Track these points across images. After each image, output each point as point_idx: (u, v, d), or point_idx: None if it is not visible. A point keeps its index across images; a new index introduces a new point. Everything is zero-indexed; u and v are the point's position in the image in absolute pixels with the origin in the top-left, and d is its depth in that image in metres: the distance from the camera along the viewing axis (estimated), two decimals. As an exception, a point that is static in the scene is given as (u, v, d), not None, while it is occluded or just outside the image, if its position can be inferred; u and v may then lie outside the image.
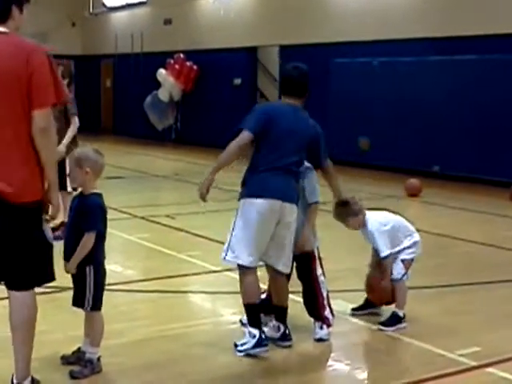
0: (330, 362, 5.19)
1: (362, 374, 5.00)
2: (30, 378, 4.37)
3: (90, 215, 4.65)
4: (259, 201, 5.11)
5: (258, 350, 5.09)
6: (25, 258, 4.26)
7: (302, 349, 5.32)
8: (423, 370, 4.95)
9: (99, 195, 4.76)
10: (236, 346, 5.17)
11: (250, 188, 5.21)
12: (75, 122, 8.70)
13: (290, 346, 5.34)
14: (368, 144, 16.26)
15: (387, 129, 15.87)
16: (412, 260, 5.85)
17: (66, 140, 8.39)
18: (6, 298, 4.37)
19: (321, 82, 17.58)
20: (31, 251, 4.27)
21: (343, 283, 6.77)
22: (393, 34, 16.18)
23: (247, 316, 5.25)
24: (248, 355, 5.09)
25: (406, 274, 5.77)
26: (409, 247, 5.81)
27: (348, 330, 5.76)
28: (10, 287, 4.32)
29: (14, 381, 4.35)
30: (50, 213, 4.34)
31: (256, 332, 5.11)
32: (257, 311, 5.20)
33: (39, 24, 25.81)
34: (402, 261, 5.76)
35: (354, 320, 5.89)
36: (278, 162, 5.17)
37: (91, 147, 4.83)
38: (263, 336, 5.13)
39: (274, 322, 5.41)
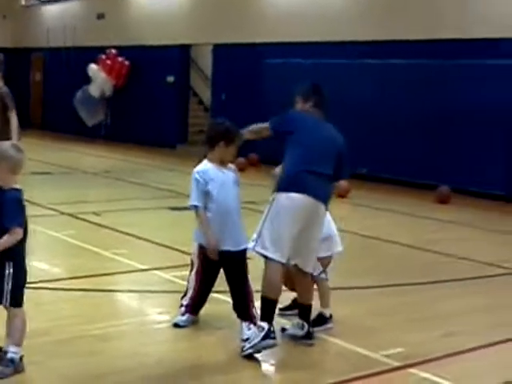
0: (254, 362, 5.20)
1: (286, 375, 5.02)
2: None
3: (10, 210, 4.56)
4: (295, 195, 5.21)
5: (266, 342, 5.08)
6: None
7: (229, 349, 5.32)
8: (347, 370, 4.99)
9: (18, 190, 4.67)
10: (244, 340, 5.18)
11: (287, 183, 5.29)
12: (14, 117, 8.47)
13: (312, 345, 5.39)
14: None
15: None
16: (330, 258, 5.84)
17: (16, 137, 8.10)
18: None
19: (254, 83, 17.65)
20: None
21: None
22: (326, 36, 16.33)
23: (262, 309, 5.22)
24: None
25: (323, 271, 5.77)
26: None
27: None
28: None
29: None
30: None
31: (265, 325, 5.10)
32: (273, 307, 5.21)
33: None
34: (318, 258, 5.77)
35: (281, 321, 5.91)
36: (315, 165, 5.32)
37: (9, 143, 4.75)
38: (272, 329, 5.13)
39: (297, 320, 5.46)
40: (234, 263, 5.49)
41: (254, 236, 5.32)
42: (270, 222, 5.25)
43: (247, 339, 5.16)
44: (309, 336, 5.44)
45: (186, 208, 9.15)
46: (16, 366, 4.64)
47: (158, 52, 20.78)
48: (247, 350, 5.10)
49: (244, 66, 18.26)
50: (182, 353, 5.27)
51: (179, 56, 20.70)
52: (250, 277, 5.53)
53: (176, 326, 5.63)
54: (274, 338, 5.15)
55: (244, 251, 5.52)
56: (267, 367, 5.11)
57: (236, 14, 18.65)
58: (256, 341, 5.09)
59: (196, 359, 5.15)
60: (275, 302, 5.24)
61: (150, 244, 8.52)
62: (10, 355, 4.65)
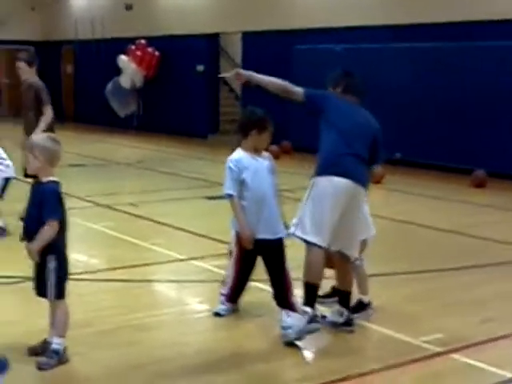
0: (294, 350, 5.21)
1: (328, 362, 5.03)
2: None
3: (48, 203, 4.62)
4: (335, 178, 5.20)
5: (311, 326, 5.11)
6: None
7: (270, 337, 5.34)
8: (389, 356, 5.00)
9: (56, 183, 4.73)
10: (285, 328, 5.16)
11: (326, 167, 5.29)
12: (48, 111, 8.53)
13: (352, 332, 5.42)
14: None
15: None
16: (364, 242, 5.78)
17: (39, 130, 8.14)
18: None
19: (283, 69, 17.59)
20: None
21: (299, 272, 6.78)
22: (355, 20, 16.23)
23: (305, 294, 5.24)
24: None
25: (358, 257, 5.70)
26: None
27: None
28: None
29: None
30: None
31: (308, 309, 5.14)
32: (315, 291, 5.23)
33: (2, 10, 25.50)
34: None
35: (320, 308, 5.92)
36: (352, 149, 5.30)
37: (46, 135, 4.79)
38: (315, 313, 5.16)
39: (337, 307, 5.48)
40: (272, 251, 5.51)
41: (295, 221, 5.32)
42: (310, 206, 5.24)
43: (288, 327, 5.17)
44: (349, 323, 5.45)
45: (220, 197, 9.23)
46: (60, 357, 4.72)
47: (188, 41, 20.80)
48: (291, 335, 5.11)
49: (274, 52, 18.21)
50: (222, 342, 5.32)
51: (208, 45, 20.70)
52: (289, 265, 5.55)
53: (217, 315, 5.67)
54: (318, 321, 5.18)
55: (281, 239, 5.53)
56: (308, 355, 5.13)
57: (264, 0, 18.59)
58: (300, 325, 5.11)
59: (236, 348, 5.19)
60: (317, 286, 5.25)
61: (186, 234, 8.58)
62: (54, 346, 4.73)
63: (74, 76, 26.43)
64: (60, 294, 4.72)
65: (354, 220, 5.38)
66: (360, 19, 16.14)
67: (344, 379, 4.69)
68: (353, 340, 5.40)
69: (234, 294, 5.72)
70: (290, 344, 5.11)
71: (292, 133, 16.48)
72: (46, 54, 27.12)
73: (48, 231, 4.59)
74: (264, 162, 5.56)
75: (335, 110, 5.45)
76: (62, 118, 25.86)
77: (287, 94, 5.63)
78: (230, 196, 5.47)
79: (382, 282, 6.69)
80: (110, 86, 20.60)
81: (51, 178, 4.71)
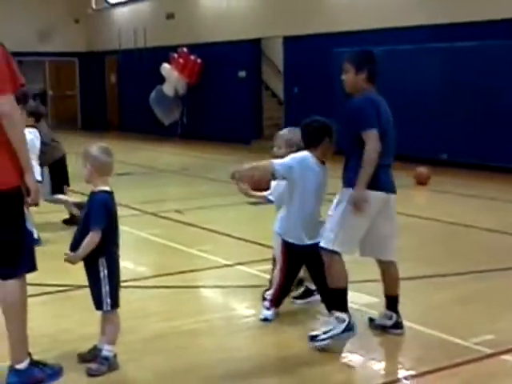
0: (344, 354, 5.19)
1: (377, 365, 5.00)
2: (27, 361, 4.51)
3: (93, 213, 4.68)
4: (371, 192, 5.09)
5: (347, 334, 5.08)
6: (7, 248, 4.41)
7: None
8: (439, 359, 4.95)
9: (107, 192, 4.77)
10: (314, 337, 5.11)
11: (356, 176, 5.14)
12: None
13: (401, 334, 5.39)
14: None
15: (393, 117, 15.80)
16: None
17: None
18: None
19: (324, 72, 17.57)
20: (13, 240, 4.42)
21: (357, 274, 6.74)
22: (393, 22, 16.13)
23: (335, 301, 5.19)
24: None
25: None
26: None
27: (361, 321, 5.75)
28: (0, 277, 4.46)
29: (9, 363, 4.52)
30: (30, 197, 4.47)
31: (345, 316, 5.10)
32: (345, 295, 5.18)
33: (43, 21, 25.89)
34: None
35: (369, 311, 5.88)
36: (386, 158, 5.20)
37: (99, 144, 4.82)
38: (352, 321, 5.13)
39: (386, 311, 5.46)
40: (317, 257, 5.48)
41: (330, 236, 5.16)
42: (346, 218, 5.13)
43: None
44: (398, 326, 5.41)
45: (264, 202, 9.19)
46: (110, 364, 4.76)
47: (229, 48, 20.89)
48: (325, 339, 5.07)
49: (314, 56, 18.19)
50: (270, 346, 5.32)
51: (250, 50, 20.76)
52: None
53: (265, 320, 5.66)
54: (354, 329, 5.12)
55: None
56: (356, 358, 5.09)
57: (304, 4, 18.58)
58: (336, 332, 5.07)
59: (283, 352, 5.19)
60: (346, 290, 5.20)
61: (232, 239, 8.60)
62: (104, 353, 4.77)
63: (118, 85, 26.73)
64: (114, 303, 4.77)
65: (387, 226, 5.32)
66: (398, 20, 16.04)
67: (395, 381, 4.66)
68: (402, 342, 5.36)
69: (279, 298, 5.72)
70: (323, 348, 5.09)
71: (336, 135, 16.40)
72: (91, 64, 27.56)
73: (90, 240, 4.64)
74: (325, 170, 5.54)
75: (379, 118, 5.27)
76: (105, 127, 26.23)
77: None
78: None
79: (432, 284, 6.64)
80: (153, 94, 20.77)
81: (102, 188, 4.76)
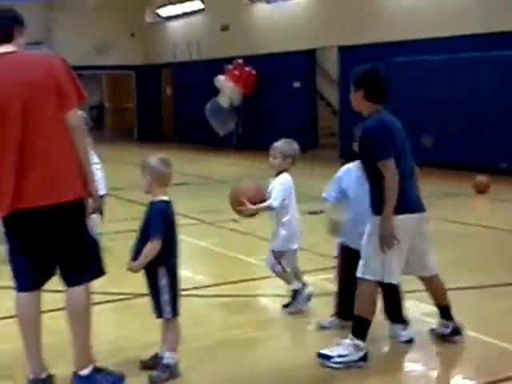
0: (406, 363, 5.15)
1: (439, 374, 4.95)
2: (91, 367, 4.58)
3: (153, 222, 4.73)
4: (401, 217, 4.93)
5: (361, 363, 4.98)
6: (79, 254, 4.54)
7: (378, 351, 5.29)
8: (499, 368, 4.88)
9: (166, 202, 4.82)
10: (327, 357, 5.01)
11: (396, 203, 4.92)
12: None
13: (460, 340, 5.33)
14: (431, 141, 16.08)
15: (451, 126, 15.67)
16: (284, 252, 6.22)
17: None
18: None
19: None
20: (84, 247, 4.57)
21: (416, 283, 6.68)
22: (449, 30, 15.98)
23: (357, 328, 5.05)
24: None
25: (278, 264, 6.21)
26: None
27: (423, 330, 5.70)
28: (66, 284, 4.57)
29: (73, 370, 4.57)
30: (93, 205, 4.62)
31: (364, 345, 5.00)
32: (368, 326, 5.05)
33: (100, 35, 26.32)
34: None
35: (430, 320, 5.82)
36: (408, 172, 5.05)
37: (158, 155, 4.87)
38: (368, 351, 5.03)
39: (442, 320, 5.40)
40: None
41: (378, 268, 4.98)
42: (377, 249, 4.95)
43: (407, 340, 5.09)
44: (456, 332, 5.34)
45: (322, 211, 9.18)
46: (172, 371, 4.79)
47: (284, 59, 20.94)
48: (338, 363, 4.96)
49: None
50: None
51: (305, 61, 20.78)
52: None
53: (323, 328, 5.65)
54: (368, 360, 5.02)
55: None
56: (416, 368, 5.04)
57: (359, 14, 18.54)
58: (352, 359, 4.97)
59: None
60: (370, 322, 5.06)
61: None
62: (166, 361, 4.81)
63: (174, 97, 26.99)
64: (174, 311, 4.81)
65: (424, 246, 5.21)
66: (454, 29, 15.88)
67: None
68: (462, 352, 5.31)
69: (340, 307, 5.69)
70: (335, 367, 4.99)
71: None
72: (147, 77, 27.89)
73: (149, 250, 4.69)
74: None
75: (393, 139, 5.04)
76: (161, 138, 26.49)
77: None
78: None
79: (491, 293, 6.54)
80: (208, 105, 20.93)
81: (161, 198, 4.82)
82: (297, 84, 20.96)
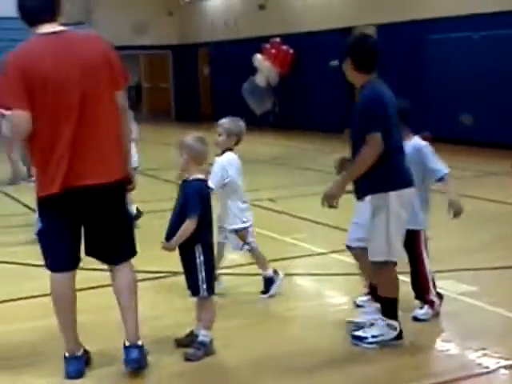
0: (440, 343, 5.12)
1: (474, 355, 4.90)
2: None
3: (188, 200, 4.76)
4: (409, 190, 4.93)
5: (395, 342, 4.99)
6: (125, 232, 4.64)
7: (412, 330, 5.26)
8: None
9: (201, 181, 4.86)
10: (361, 338, 5.00)
11: (390, 178, 4.89)
12: None
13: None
14: (471, 120, 15.89)
15: (491, 104, 15.46)
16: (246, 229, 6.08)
17: None
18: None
19: (418, 59, 17.31)
20: (128, 225, 4.69)
21: (452, 263, 6.65)
22: (490, 6, 15.71)
23: (387, 309, 5.02)
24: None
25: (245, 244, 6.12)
26: None
27: (460, 310, 5.67)
28: (111, 263, 4.64)
29: (126, 343, 4.59)
30: (132, 184, 4.73)
31: (397, 325, 5.00)
32: (396, 304, 5.04)
33: (138, 15, 26.36)
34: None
35: (467, 300, 5.78)
36: (400, 145, 4.97)
37: (194, 134, 4.90)
38: (401, 329, 5.03)
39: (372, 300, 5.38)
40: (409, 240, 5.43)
41: (383, 248, 4.90)
42: (390, 228, 4.89)
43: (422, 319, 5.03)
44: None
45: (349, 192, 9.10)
46: (206, 349, 4.84)
47: (322, 37, 20.79)
48: (373, 343, 4.96)
49: (408, 43, 17.92)
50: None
51: (343, 39, 20.57)
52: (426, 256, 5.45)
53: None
54: (402, 338, 5.01)
55: (415, 231, 5.41)
56: (453, 347, 5.01)
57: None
58: (386, 338, 4.98)
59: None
60: (397, 299, 5.04)
61: (325, 227, 8.57)
62: (200, 338, 4.85)
63: (211, 77, 26.97)
64: (210, 290, 4.83)
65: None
66: (495, 5, 15.60)
67: (493, 371, 4.58)
68: (498, 332, 5.27)
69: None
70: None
71: (432, 122, 16.12)
72: (184, 56, 27.89)
73: (185, 228, 4.72)
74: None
75: (387, 112, 4.89)
76: (198, 118, 26.52)
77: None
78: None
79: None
80: (246, 84, 20.88)
81: (196, 176, 4.84)
82: (334, 62, 20.77)
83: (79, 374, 4.56)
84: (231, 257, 7.41)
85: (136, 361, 4.54)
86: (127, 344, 4.58)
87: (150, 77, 29.17)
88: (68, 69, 4.34)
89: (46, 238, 4.58)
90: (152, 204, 9.67)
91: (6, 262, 7.33)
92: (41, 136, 4.34)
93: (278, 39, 21.24)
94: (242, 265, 7.05)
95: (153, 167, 12.93)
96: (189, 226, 4.72)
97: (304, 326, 5.49)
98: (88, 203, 4.46)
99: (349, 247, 5.48)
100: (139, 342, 4.60)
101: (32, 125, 4.29)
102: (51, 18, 4.46)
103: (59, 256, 4.54)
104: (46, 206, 4.49)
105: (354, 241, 5.37)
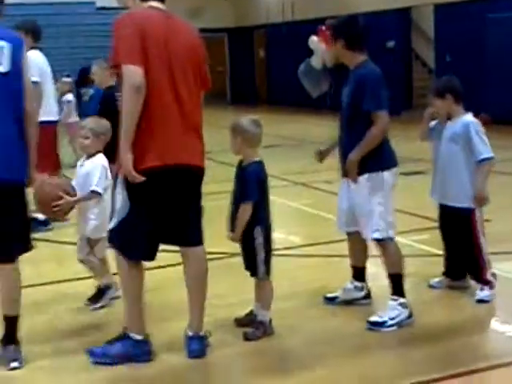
0: (497, 325, 5.10)
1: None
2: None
3: (245, 185, 4.81)
4: (397, 169, 5.14)
5: (410, 320, 5.05)
6: (199, 215, 4.68)
7: (465, 311, 5.25)
8: None
9: (257, 163, 4.89)
10: (379, 323, 5.00)
11: (384, 158, 5.12)
12: None
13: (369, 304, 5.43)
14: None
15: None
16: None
17: None
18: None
19: (477, 39, 17.04)
20: (201, 208, 4.72)
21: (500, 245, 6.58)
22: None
23: (396, 286, 5.09)
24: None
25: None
26: None
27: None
28: (189, 244, 4.63)
29: (189, 333, 4.63)
30: None
31: (406, 301, 5.06)
32: (402, 280, 5.10)
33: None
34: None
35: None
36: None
37: (248, 117, 4.93)
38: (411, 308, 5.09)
39: (356, 283, 5.49)
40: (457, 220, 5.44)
41: (382, 225, 5.02)
42: (386, 205, 5.04)
43: (392, 318, 5.03)
44: (368, 296, 5.52)
45: (415, 172, 9.15)
46: (266, 328, 4.91)
47: (377, 18, 20.58)
48: (393, 325, 4.97)
49: (467, 23, 17.65)
50: (424, 315, 5.25)
51: (399, 20, 20.39)
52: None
53: (432, 287, 5.69)
54: (412, 316, 5.06)
55: (470, 209, 5.40)
56: (508, 329, 5.00)
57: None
58: (403, 317, 5.01)
59: (427, 322, 5.13)
60: (403, 274, 5.11)
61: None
62: (259, 318, 4.93)
63: (267, 59, 26.95)
64: (268, 270, 4.90)
65: None
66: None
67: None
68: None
69: (447, 266, 5.72)
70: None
71: (491, 103, 15.90)
72: (239, 39, 27.92)
73: (243, 214, 4.79)
74: (449, 128, 5.50)
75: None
76: (254, 101, 26.56)
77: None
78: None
79: None
80: (301, 67, 20.79)
81: (253, 159, 4.89)
82: (391, 43, 20.60)
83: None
84: (290, 238, 7.48)
85: (197, 351, 4.59)
86: (190, 334, 4.62)
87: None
88: (176, 45, 4.42)
89: (130, 223, 4.43)
90: (208, 186, 9.74)
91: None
92: (152, 100, 4.30)
93: (333, 21, 21.10)
94: (299, 246, 7.12)
95: (208, 150, 13.00)
96: (244, 212, 4.78)
97: (369, 306, 5.47)
98: (183, 183, 4.50)
99: (348, 233, 5.52)
100: (201, 333, 4.63)
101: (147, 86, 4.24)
102: None
103: (139, 243, 4.48)
104: (140, 186, 4.31)
105: (348, 225, 5.42)
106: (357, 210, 5.17)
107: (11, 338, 4.54)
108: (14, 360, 4.51)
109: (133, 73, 4.20)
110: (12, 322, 4.53)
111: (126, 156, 4.24)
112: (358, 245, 5.44)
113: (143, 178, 4.28)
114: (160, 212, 4.46)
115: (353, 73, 5.16)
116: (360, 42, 5.20)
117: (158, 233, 4.50)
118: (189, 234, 4.61)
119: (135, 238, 4.46)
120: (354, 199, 5.17)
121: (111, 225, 4.54)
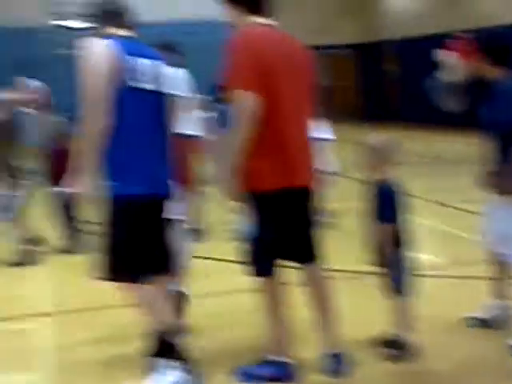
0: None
1: None
2: None
3: (379, 206, 4.83)
4: None
5: None
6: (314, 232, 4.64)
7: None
8: None
9: (391, 182, 4.88)
10: None
11: None
12: None
13: None
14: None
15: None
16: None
17: None
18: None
19: None
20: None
21: None
22: None
23: None
24: None
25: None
26: None
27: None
28: (311, 260, 4.62)
29: (327, 351, 4.58)
30: None
31: None
32: None
33: (319, 15, 26.58)
34: None
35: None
36: None
37: (381, 135, 4.98)
38: None
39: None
40: None
41: None
42: None
43: None
44: None
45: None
46: (406, 350, 4.86)
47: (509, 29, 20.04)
48: None
49: None
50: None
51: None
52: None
53: None
54: None
55: None
56: None
57: None
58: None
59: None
60: None
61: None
62: (399, 339, 4.90)
63: (397, 74, 26.64)
64: (409, 291, 4.89)
65: None
66: None
67: None
68: None
69: None
70: None
71: None
72: (368, 54, 27.75)
73: (384, 235, 4.79)
74: None
75: None
76: (387, 117, 26.21)
77: None
78: None
79: None
80: (430, 81, 20.48)
81: (386, 177, 4.89)
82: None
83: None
84: (431, 258, 7.32)
85: (337, 371, 4.55)
86: (327, 352, 4.59)
87: (335, 76, 29.18)
88: (291, 63, 4.43)
89: (266, 237, 4.49)
90: (342, 203, 9.74)
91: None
92: (270, 125, 4.31)
93: (464, 34, 20.68)
94: (441, 267, 6.97)
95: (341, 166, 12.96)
96: (382, 232, 4.79)
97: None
98: (304, 202, 4.57)
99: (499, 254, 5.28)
100: (338, 350, 4.58)
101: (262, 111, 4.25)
102: (268, 9, 4.54)
103: (272, 257, 4.55)
104: (268, 202, 4.42)
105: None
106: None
107: None
108: None
109: (247, 100, 4.20)
110: None
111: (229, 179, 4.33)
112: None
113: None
114: (283, 229, 4.49)
115: (497, 88, 4.98)
116: (505, 57, 5.11)
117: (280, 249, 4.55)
118: (306, 253, 4.62)
119: (266, 256, 4.53)
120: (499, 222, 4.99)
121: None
